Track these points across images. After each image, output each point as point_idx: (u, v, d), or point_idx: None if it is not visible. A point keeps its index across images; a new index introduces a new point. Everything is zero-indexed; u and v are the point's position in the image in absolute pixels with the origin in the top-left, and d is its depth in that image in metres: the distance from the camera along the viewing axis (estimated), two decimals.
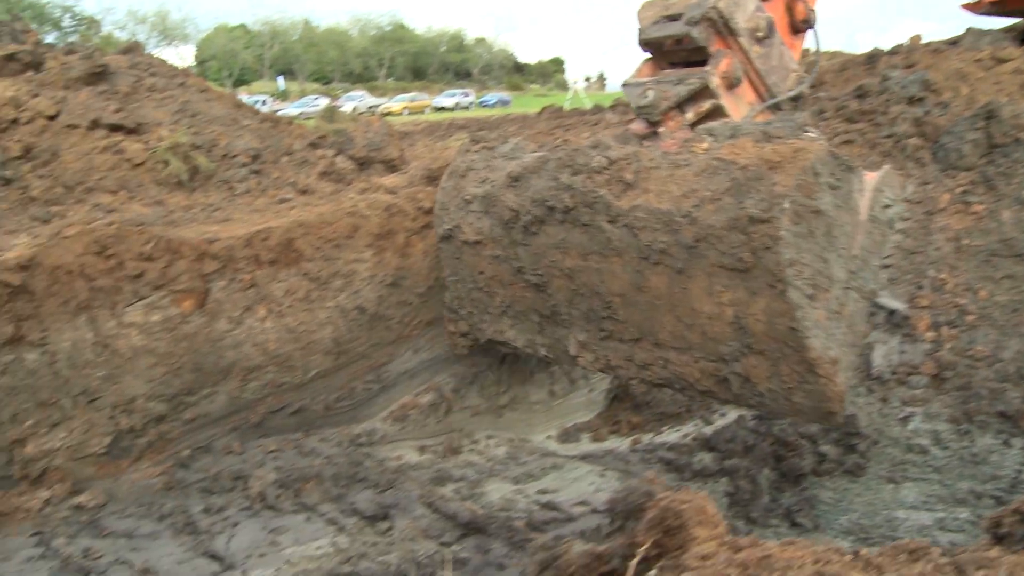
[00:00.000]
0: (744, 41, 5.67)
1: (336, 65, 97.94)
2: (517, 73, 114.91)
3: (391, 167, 9.90)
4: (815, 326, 4.51)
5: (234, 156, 8.19)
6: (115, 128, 7.40)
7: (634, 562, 2.19)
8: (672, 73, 5.95)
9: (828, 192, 4.56)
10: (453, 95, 70.89)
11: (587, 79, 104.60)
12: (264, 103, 58.19)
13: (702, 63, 5.72)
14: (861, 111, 10.54)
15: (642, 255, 5.00)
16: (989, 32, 13.47)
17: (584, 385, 8.07)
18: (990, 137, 9.16)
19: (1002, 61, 10.80)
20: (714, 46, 5.66)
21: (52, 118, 7.14)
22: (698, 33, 5.56)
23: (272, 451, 6.29)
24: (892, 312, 8.28)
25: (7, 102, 6.99)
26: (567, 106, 30.03)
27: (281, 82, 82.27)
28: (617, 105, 20.23)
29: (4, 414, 5.34)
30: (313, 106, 56.85)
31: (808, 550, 2.19)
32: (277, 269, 6.55)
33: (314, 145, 9.38)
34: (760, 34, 5.75)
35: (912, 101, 10.43)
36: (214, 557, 5.04)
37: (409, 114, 58.48)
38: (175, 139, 7.58)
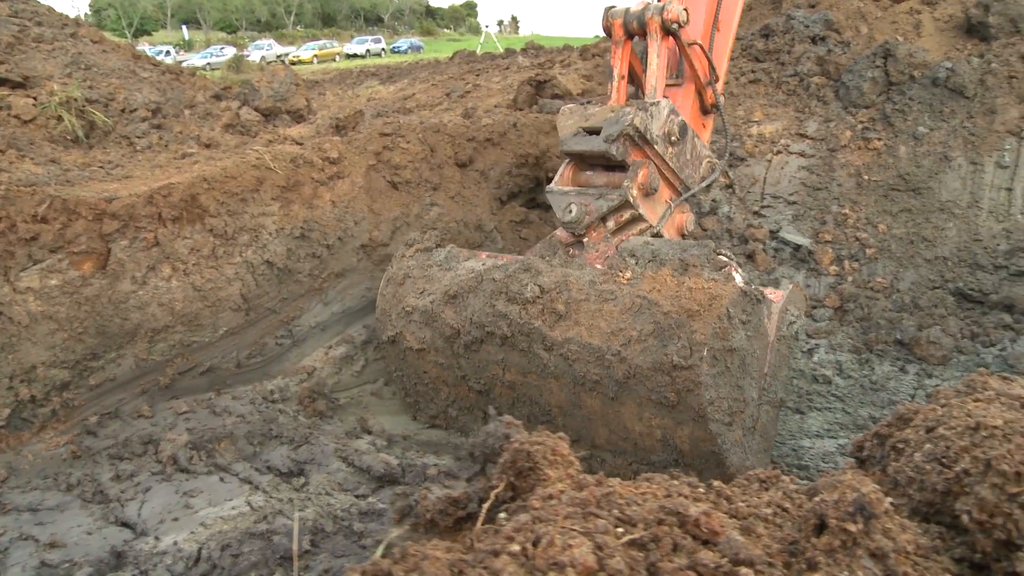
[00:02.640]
0: (659, 148, 5.96)
1: (242, 13, 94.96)
2: (429, 18, 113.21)
3: (298, 117, 9.71)
4: (733, 445, 5.07)
5: (133, 110, 7.92)
6: None
7: (486, 505, 2.23)
8: (593, 182, 6.24)
9: (741, 328, 5.03)
10: (364, 42, 69.51)
11: (500, 23, 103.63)
12: (168, 54, 56.33)
13: (621, 166, 5.98)
14: (766, 50, 10.67)
15: (577, 381, 5.43)
16: None
17: None
18: (888, 75, 9.38)
19: (898, 1, 11.03)
20: (631, 157, 5.93)
21: None
22: (616, 150, 5.84)
23: (183, 412, 6.18)
24: (797, 247, 8.49)
25: None
26: (479, 50, 29.73)
27: (185, 31, 79.51)
28: (528, 48, 20.09)
29: None
30: (220, 56, 55.17)
31: (660, 485, 2.26)
32: (181, 226, 6.39)
33: (218, 97, 9.13)
34: (674, 138, 6.05)
35: (815, 40, 10.60)
36: (125, 525, 4.95)
37: (319, 62, 57.19)
38: (68, 93, 7.29)
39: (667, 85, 6.30)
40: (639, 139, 5.88)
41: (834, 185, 8.90)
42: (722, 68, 6.81)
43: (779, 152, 9.31)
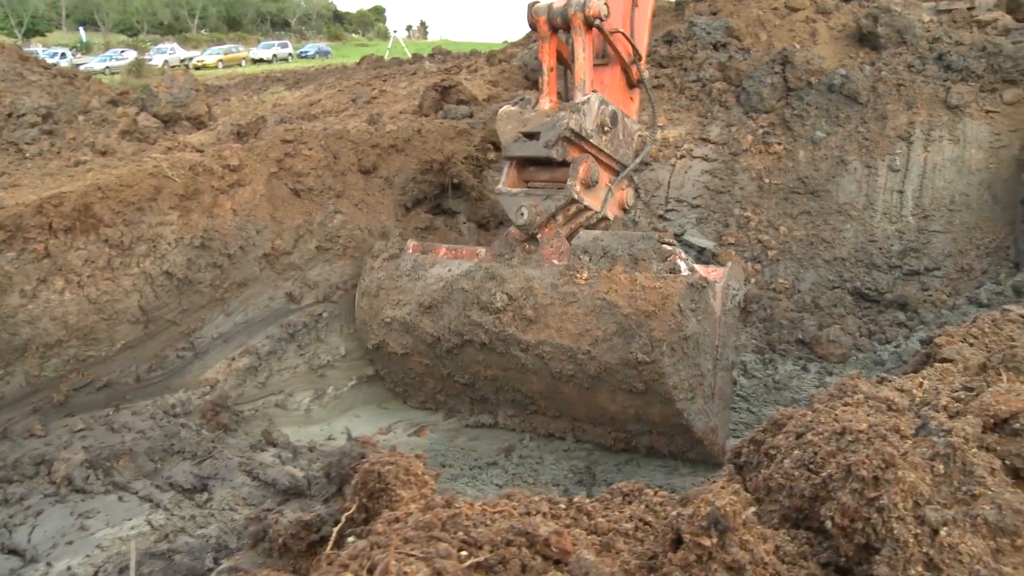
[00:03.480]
0: (595, 140, 6.32)
1: (143, 15, 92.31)
2: (337, 23, 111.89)
3: (198, 124, 9.48)
4: (697, 414, 5.81)
5: (21, 115, 7.62)
6: None
7: (336, 529, 2.18)
8: (537, 178, 6.66)
9: (692, 317, 5.63)
10: (271, 46, 68.31)
11: (408, 28, 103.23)
12: (63, 56, 54.37)
13: (562, 162, 6.31)
14: (669, 56, 10.84)
15: (553, 375, 6.09)
16: None
17: None
18: (786, 81, 9.63)
19: (795, 10, 11.34)
20: (570, 155, 6.26)
21: None
22: (556, 153, 6.15)
23: (79, 430, 5.95)
24: (701, 250, 8.64)
25: None
26: (387, 56, 29.55)
27: (82, 33, 76.93)
28: (435, 54, 20.01)
29: None
30: (120, 60, 53.51)
31: (519, 503, 2.24)
32: (74, 236, 6.16)
33: (114, 102, 8.84)
34: (607, 127, 6.39)
35: (717, 47, 10.82)
36: (14, 552, 4.73)
37: (224, 67, 56.03)
38: None
39: (595, 65, 6.53)
40: (575, 138, 6.18)
41: (736, 189, 9.09)
42: (644, 44, 7.03)
43: (683, 156, 9.46)
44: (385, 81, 16.79)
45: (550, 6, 6.31)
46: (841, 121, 9.29)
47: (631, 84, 6.97)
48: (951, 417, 2.10)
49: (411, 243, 7.30)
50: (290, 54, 67.07)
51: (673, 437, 6.02)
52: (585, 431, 6.51)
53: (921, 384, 2.37)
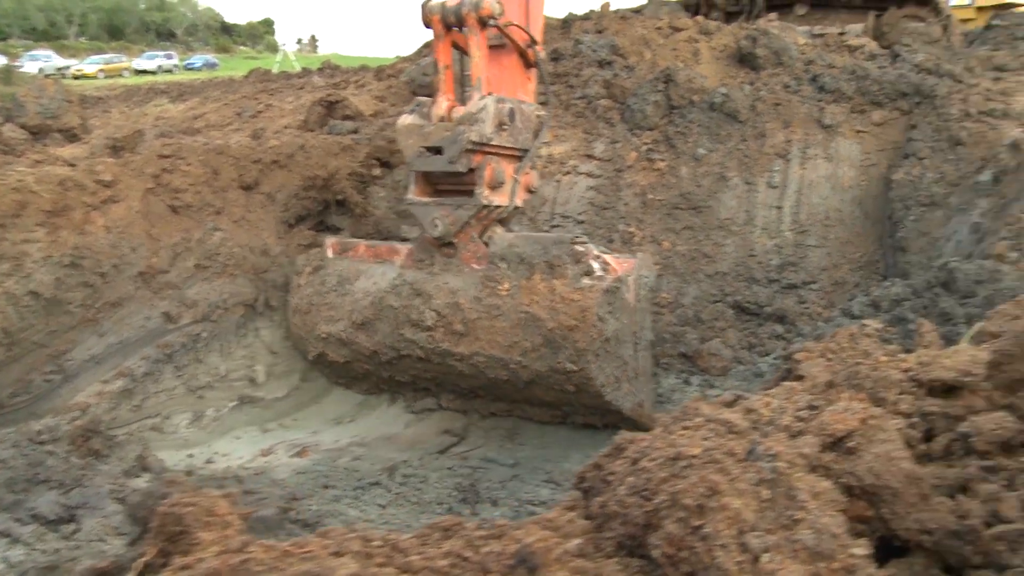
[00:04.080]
0: (496, 140, 6.37)
1: (14, 19, 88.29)
2: (225, 35, 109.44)
3: (71, 136, 9.13)
4: (624, 396, 6.32)
5: None
6: None
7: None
8: (447, 188, 6.73)
9: (610, 318, 6.05)
10: (155, 57, 66.36)
11: (298, 41, 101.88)
12: None
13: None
14: (556, 73, 10.94)
15: (490, 380, 6.53)
16: (668, 3, 14.53)
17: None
18: (669, 99, 9.83)
19: (678, 30, 11.62)
20: (474, 161, 6.32)
21: None
22: (461, 166, 6.25)
23: None
24: None
25: None
26: (276, 69, 29.05)
27: None
28: (324, 68, 19.78)
29: None
30: None
31: (332, 539, 2.18)
32: None
33: None
34: (505, 124, 6.40)
35: (602, 64, 10.97)
36: None
37: (105, 77, 54.17)
38: None
39: (492, 47, 6.58)
40: (477, 146, 6.24)
41: (621, 204, 9.21)
42: (539, 27, 7.08)
43: (568, 173, 9.55)
44: (272, 95, 16.50)
45: (443, 4, 6.30)
46: (722, 138, 9.53)
47: (528, 65, 6.99)
48: (793, 437, 2.13)
49: (330, 241, 7.48)
50: (175, 65, 65.32)
51: (604, 415, 6.54)
52: (524, 411, 7.01)
53: (769, 403, 2.41)
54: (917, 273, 7.26)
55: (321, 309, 7.23)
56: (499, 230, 6.68)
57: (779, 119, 9.57)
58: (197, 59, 71.53)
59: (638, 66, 10.97)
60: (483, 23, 6.22)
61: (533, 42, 6.81)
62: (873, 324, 3.02)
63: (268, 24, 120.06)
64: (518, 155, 6.78)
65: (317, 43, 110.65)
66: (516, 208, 6.82)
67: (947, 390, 2.38)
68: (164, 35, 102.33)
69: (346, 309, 7.06)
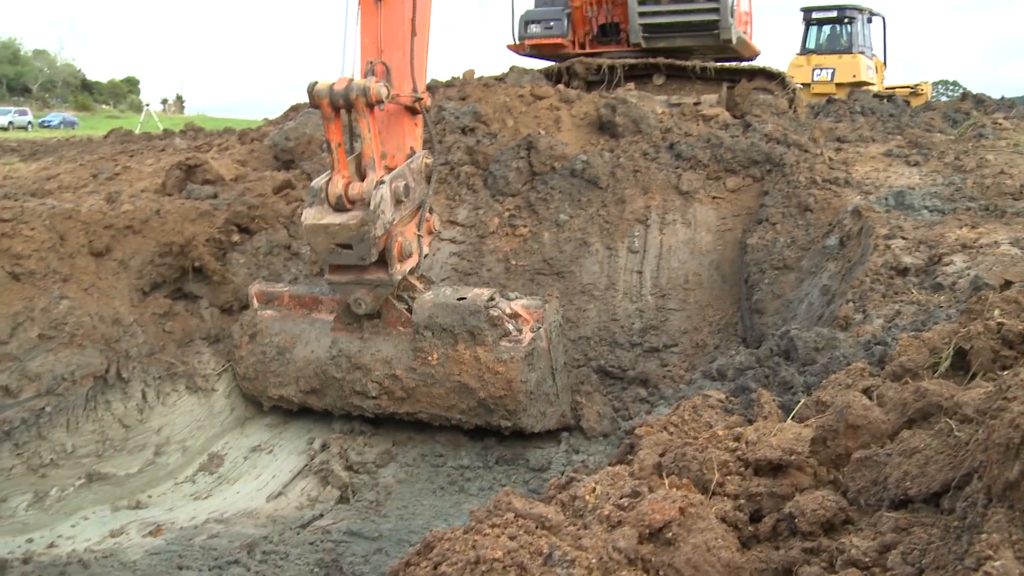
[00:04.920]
0: (397, 216, 6.54)
1: None
2: (86, 92, 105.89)
3: None
4: (549, 417, 7.23)
5: None
6: None
7: None
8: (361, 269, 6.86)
9: (534, 371, 6.82)
10: (7, 113, 63.55)
11: (164, 101, 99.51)
12: None
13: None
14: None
15: (435, 425, 7.37)
16: (529, 71, 14.86)
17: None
18: (531, 166, 10.00)
19: (540, 98, 11.87)
20: (381, 244, 6.49)
21: None
22: (372, 257, 6.41)
23: None
24: None
25: None
26: (138, 129, 28.31)
27: None
28: (187, 130, 19.33)
29: None
30: None
31: None
32: None
33: None
34: (402, 198, 6.54)
35: (465, 131, 11.09)
36: None
37: None
38: None
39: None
40: (383, 232, 6.40)
41: (484, 270, 9.26)
42: (423, 73, 7.13)
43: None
44: (132, 156, 15.99)
45: (331, 88, 6.26)
46: (583, 204, 9.73)
47: (414, 111, 7.06)
48: (612, 528, 2.11)
49: (254, 290, 7.80)
50: (30, 122, 62.80)
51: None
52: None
53: (594, 489, 2.39)
54: (772, 336, 7.52)
55: (268, 376, 7.63)
56: (417, 283, 7.20)
57: (638, 185, 9.85)
58: (54, 116, 69.08)
59: (501, 133, 11.13)
60: (372, 107, 6.26)
61: (419, 97, 6.89)
62: (716, 395, 3.06)
63: (132, 82, 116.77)
64: (416, 210, 6.98)
65: (184, 103, 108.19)
66: (425, 256, 7.20)
67: (774, 468, 2.42)
68: (18, 90, 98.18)
69: (291, 375, 7.53)
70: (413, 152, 6.93)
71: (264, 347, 7.58)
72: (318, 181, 6.54)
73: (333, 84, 6.31)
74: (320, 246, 6.52)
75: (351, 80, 6.30)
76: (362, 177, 6.54)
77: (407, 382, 7.01)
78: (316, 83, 6.39)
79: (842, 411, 2.28)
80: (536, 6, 16.49)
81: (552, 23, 15.72)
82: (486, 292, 7.02)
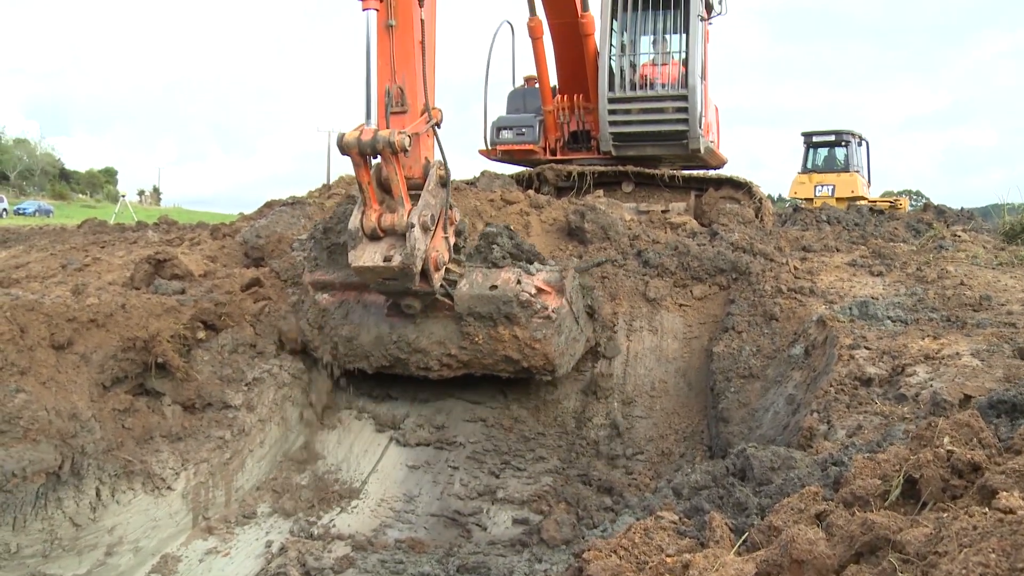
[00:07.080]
0: (427, 243, 7.22)
1: None
2: (63, 181, 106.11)
3: None
4: (577, 354, 8.88)
5: None
6: None
7: None
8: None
9: (562, 337, 8.26)
10: None
11: (140, 192, 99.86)
12: None
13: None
14: None
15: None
16: (500, 176, 15.08)
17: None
18: None
19: (510, 203, 12.04)
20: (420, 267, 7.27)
21: None
22: (416, 284, 7.33)
23: None
24: None
25: None
26: (113, 220, 28.31)
27: None
28: (160, 223, 19.30)
29: None
30: None
31: None
32: None
33: None
34: (430, 226, 7.18)
35: None
36: None
37: None
38: None
39: (394, 113, 7.45)
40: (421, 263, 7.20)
41: None
42: (432, 92, 7.69)
43: None
44: (103, 247, 15.94)
45: (359, 139, 6.91)
46: None
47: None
48: None
49: (309, 279, 8.90)
50: (4, 209, 62.78)
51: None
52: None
53: None
54: (736, 445, 7.49)
55: (341, 358, 8.76)
56: (454, 269, 7.97)
57: (606, 292, 9.92)
58: (30, 204, 69.14)
59: (471, 237, 11.22)
60: (396, 154, 6.89)
61: (431, 117, 7.52)
62: (669, 516, 3.02)
63: (110, 173, 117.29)
64: (446, 226, 7.68)
65: (160, 195, 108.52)
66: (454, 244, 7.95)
67: None
68: None
69: (361, 356, 8.60)
70: (428, 163, 7.51)
71: (335, 338, 8.62)
72: (353, 221, 7.28)
73: (360, 135, 6.95)
74: (370, 281, 7.50)
75: (376, 132, 6.92)
76: (391, 209, 7.27)
77: (461, 356, 8.20)
78: (344, 135, 7.06)
79: (786, 545, 2.26)
80: (508, 112, 16.87)
81: (524, 129, 16.05)
82: (512, 276, 8.07)
